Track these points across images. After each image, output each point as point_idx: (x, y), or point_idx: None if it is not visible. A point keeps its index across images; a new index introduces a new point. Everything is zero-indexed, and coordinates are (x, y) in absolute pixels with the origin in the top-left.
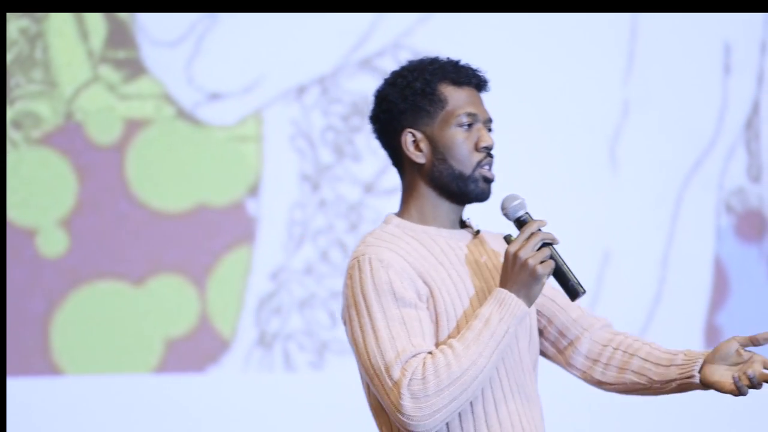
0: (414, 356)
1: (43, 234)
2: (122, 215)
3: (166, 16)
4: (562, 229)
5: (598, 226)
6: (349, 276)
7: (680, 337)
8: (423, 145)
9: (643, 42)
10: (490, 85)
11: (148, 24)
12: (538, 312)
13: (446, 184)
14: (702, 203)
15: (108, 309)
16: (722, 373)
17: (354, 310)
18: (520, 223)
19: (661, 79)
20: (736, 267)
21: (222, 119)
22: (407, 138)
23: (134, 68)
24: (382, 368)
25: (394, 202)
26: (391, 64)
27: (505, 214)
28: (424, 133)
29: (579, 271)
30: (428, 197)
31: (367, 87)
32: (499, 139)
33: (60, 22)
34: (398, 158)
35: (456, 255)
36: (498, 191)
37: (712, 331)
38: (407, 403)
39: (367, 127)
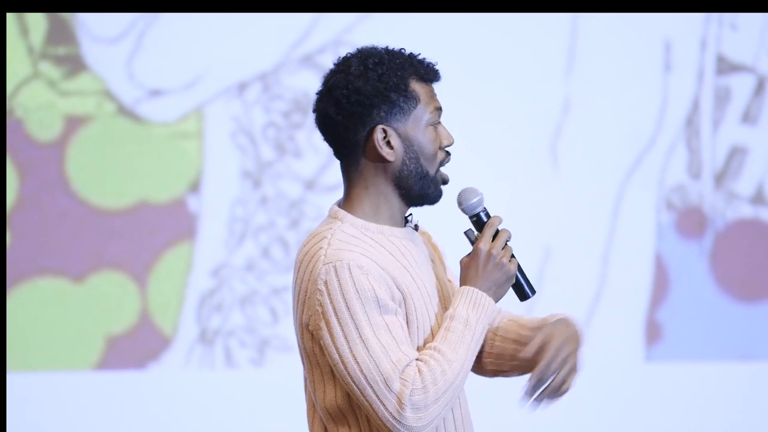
0: (408, 365)
1: None
2: (63, 212)
3: (106, 13)
4: (503, 224)
5: (539, 222)
6: (324, 282)
7: (621, 334)
8: (395, 142)
9: (584, 39)
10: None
11: (89, 20)
12: None
13: (411, 185)
14: (643, 200)
15: (48, 306)
16: None
17: (335, 318)
18: (479, 219)
19: (602, 76)
20: (676, 263)
21: (163, 116)
22: (379, 134)
23: (75, 65)
24: (379, 380)
25: (336, 198)
26: (331, 61)
27: (463, 209)
28: (396, 130)
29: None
30: (386, 195)
31: (308, 83)
32: None
33: None
34: (355, 153)
35: (412, 256)
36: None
37: (652, 327)
38: (409, 414)
39: (309, 124)
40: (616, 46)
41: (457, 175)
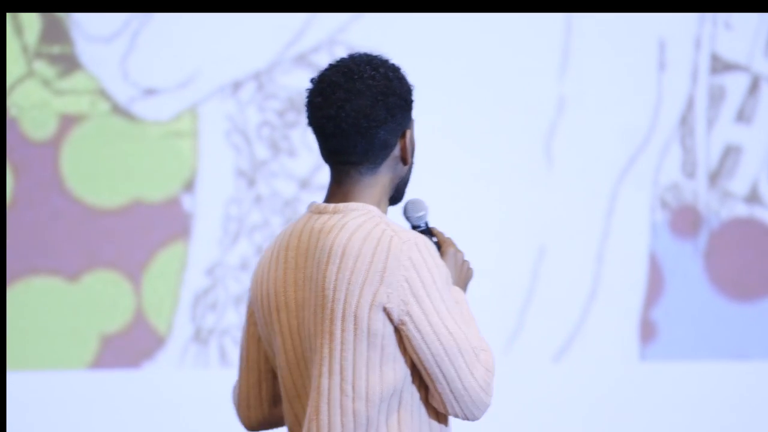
0: (482, 338)
1: None
2: (57, 211)
3: (100, 12)
4: (498, 224)
5: (534, 221)
6: (409, 258)
7: (615, 333)
8: (410, 147)
9: (578, 38)
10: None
11: (83, 20)
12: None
13: (403, 189)
14: (637, 199)
15: (42, 305)
16: None
17: (423, 291)
18: (423, 230)
19: (596, 76)
20: (670, 263)
21: (157, 115)
22: (408, 137)
23: (69, 63)
24: (469, 349)
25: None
26: (326, 60)
27: (408, 217)
28: (410, 135)
29: (514, 267)
30: (386, 196)
31: (302, 83)
32: (435, 135)
33: None
34: (383, 154)
35: None
36: (436, 189)
37: (647, 326)
38: (492, 383)
39: (303, 123)
40: (610, 46)
41: (454, 174)
